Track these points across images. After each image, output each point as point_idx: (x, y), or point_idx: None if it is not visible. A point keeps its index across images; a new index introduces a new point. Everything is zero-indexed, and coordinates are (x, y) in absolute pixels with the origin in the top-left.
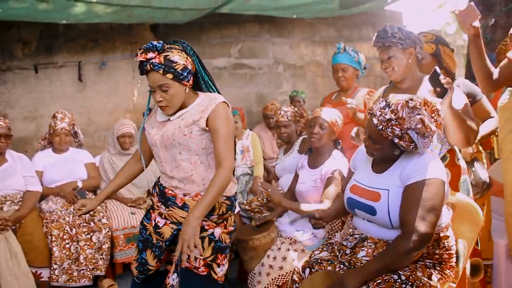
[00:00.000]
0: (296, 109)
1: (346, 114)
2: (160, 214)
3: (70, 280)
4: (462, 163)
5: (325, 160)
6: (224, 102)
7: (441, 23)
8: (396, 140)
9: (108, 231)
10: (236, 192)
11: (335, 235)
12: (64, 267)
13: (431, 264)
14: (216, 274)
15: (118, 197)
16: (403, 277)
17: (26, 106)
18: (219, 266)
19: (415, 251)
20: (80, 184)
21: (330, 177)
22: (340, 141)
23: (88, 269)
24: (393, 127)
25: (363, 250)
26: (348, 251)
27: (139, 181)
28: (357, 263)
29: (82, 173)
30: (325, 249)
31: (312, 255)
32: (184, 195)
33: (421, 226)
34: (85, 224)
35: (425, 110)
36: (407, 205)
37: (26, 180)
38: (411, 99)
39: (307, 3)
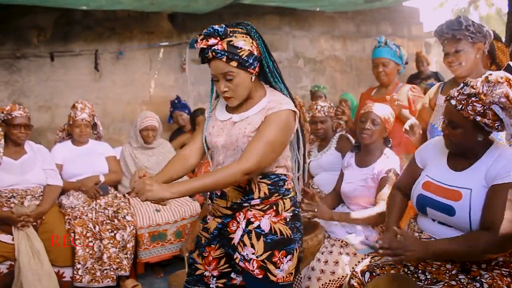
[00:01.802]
0: (330, 103)
1: None
2: (210, 212)
3: (93, 281)
4: None
5: (377, 158)
6: (291, 110)
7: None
8: (478, 119)
9: (133, 229)
10: (282, 173)
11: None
12: (87, 267)
13: (506, 273)
14: (275, 276)
15: None
16: (485, 286)
17: (41, 95)
18: (277, 267)
19: (495, 252)
20: (102, 179)
21: (384, 177)
22: (390, 139)
23: (112, 269)
24: (474, 103)
25: None
26: None
27: None
28: (427, 267)
29: (103, 166)
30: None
31: (372, 260)
32: None
33: (509, 228)
34: (108, 221)
35: (508, 86)
36: (493, 206)
37: (46, 173)
38: (491, 74)
39: None
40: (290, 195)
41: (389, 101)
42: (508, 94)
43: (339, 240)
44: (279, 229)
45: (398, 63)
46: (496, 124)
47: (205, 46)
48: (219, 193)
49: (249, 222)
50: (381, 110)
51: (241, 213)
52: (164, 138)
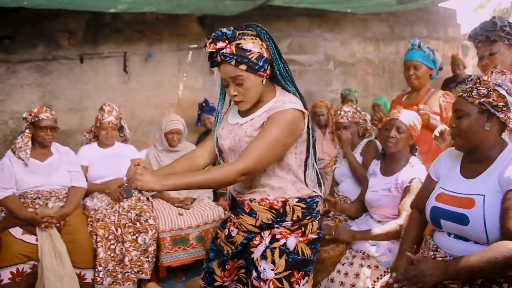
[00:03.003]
0: (355, 108)
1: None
2: (234, 224)
3: (114, 283)
4: None
5: (402, 167)
6: (297, 109)
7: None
8: (482, 100)
9: (155, 233)
10: (317, 194)
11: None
12: (108, 269)
13: None
14: None
15: (165, 196)
16: None
17: (71, 98)
18: (293, 287)
19: None
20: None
21: (408, 186)
22: (417, 146)
23: (133, 272)
24: (479, 88)
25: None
26: None
27: None
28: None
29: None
30: None
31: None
32: (250, 201)
33: None
34: (131, 224)
35: None
36: (510, 212)
37: (71, 175)
38: (495, 67)
39: None
40: (319, 217)
41: (416, 111)
42: None
43: (360, 252)
44: (302, 249)
45: (431, 67)
46: (500, 104)
47: (213, 50)
48: (247, 210)
49: (274, 239)
50: (407, 117)
51: (268, 230)
52: (191, 141)
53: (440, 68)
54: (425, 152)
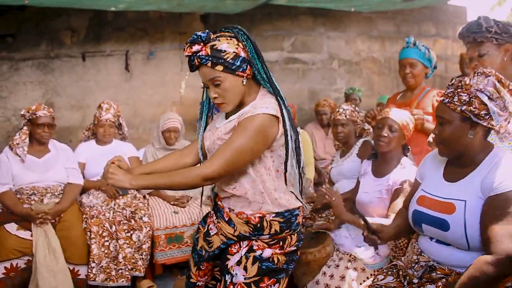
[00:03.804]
0: (354, 107)
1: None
2: (213, 223)
3: (108, 280)
4: None
5: (393, 168)
6: (268, 114)
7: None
8: (464, 108)
9: (149, 230)
10: (295, 206)
11: (400, 256)
12: (102, 266)
13: None
14: None
15: (161, 194)
16: None
17: (73, 95)
18: None
19: (505, 277)
20: None
21: (399, 188)
22: (409, 146)
23: (127, 269)
24: (460, 93)
25: (432, 284)
26: (415, 281)
27: None
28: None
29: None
30: (389, 273)
31: (375, 280)
32: (230, 210)
33: (509, 246)
34: (125, 221)
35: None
36: (491, 219)
37: (68, 172)
38: (480, 70)
39: None
40: (298, 230)
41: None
42: (495, 83)
43: (347, 254)
44: (277, 258)
45: (427, 65)
46: (482, 113)
47: (190, 53)
48: (226, 218)
49: (251, 250)
50: (399, 116)
51: (247, 241)
52: (193, 139)
53: (435, 67)
54: (417, 153)
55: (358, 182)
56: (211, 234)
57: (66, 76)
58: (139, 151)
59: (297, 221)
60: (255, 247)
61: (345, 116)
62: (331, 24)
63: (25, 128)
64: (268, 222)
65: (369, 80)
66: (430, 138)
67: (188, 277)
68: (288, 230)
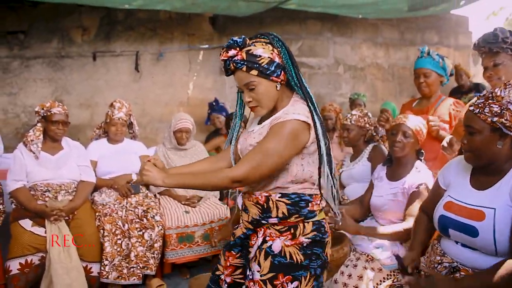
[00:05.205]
0: (364, 113)
1: (427, 130)
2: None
3: (120, 277)
4: None
5: (408, 172)
6: (299, 120)
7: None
8: (495, 119)
9: (161, 229)
10: (305, 193)
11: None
12: (114, 264)
13: None
14: None
15: (172, 194)
16: None
17: (82, 93)
18: None
19: None
20: (134, 177)
21: (415, 191)
22: (423, 151)
23: (138, 267)
24: (491, 105)
25: None
26: None
27: None
28: None
29: (136, 165)
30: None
31: (395, 280)
32: (243, 196)
33: None
34: (138, 220)
35: None
36: None
37: (80, 169)
38: (499, 78)
39: (375, 2)
40: (314, 218)
41: (426, 123)
42: None
43: (365, 254)
44: (290, 253)
45: (441, 74)
46: None
47: (226, 58)
48: (243, 206)
49: (264, 241)
50: (413, 122)
51: (262, 229)
52: (200, 140)
53: (451, 74)
54: (431, 159)
55: (370, 186)
56: (238, 226)
57: (76, 74)
58: (148, 150)
59: (309, 208)
60: (267, 238)
61: (350, 122)
62: (338, 30)
63: (39, 124)
64: (274, 202)
65: (373, 85)
66: (444, 143)
67: (214, 270)
68: (297, 215)
